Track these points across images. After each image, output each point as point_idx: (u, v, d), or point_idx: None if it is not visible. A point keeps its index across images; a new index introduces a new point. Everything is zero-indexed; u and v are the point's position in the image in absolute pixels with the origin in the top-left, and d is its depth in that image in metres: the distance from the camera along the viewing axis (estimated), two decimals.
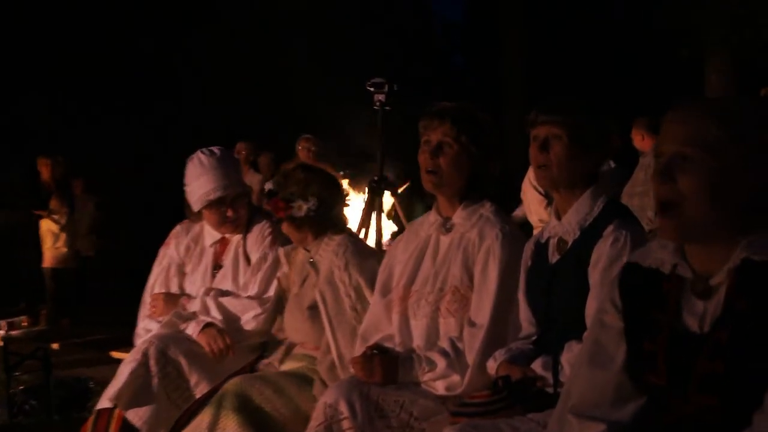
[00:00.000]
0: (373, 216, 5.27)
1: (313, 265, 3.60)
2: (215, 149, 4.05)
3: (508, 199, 7.11)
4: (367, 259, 3.56)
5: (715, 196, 1.82)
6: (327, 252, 3.61)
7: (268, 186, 3.69)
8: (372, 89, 5.13)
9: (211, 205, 4.00)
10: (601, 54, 14.35)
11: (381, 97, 5.10)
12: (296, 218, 3.61)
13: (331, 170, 3.83)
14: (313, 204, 3.60)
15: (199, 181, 3.99)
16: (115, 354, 4.51)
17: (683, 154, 1.85)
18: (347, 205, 3.86)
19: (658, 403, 1.94)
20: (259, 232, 4.08)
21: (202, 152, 4.03)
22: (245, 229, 4.11)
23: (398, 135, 4.75)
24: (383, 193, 5.34)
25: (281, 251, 3.86)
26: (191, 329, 3.88)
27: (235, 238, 4.11)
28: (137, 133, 12.73)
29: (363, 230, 5.23)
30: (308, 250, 3.70)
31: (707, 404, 1.81)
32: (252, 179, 9.50)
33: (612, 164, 6.18)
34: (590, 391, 2.04)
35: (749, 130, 1.84)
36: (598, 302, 2.19)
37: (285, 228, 3.68)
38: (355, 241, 3.71)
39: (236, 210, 4.03)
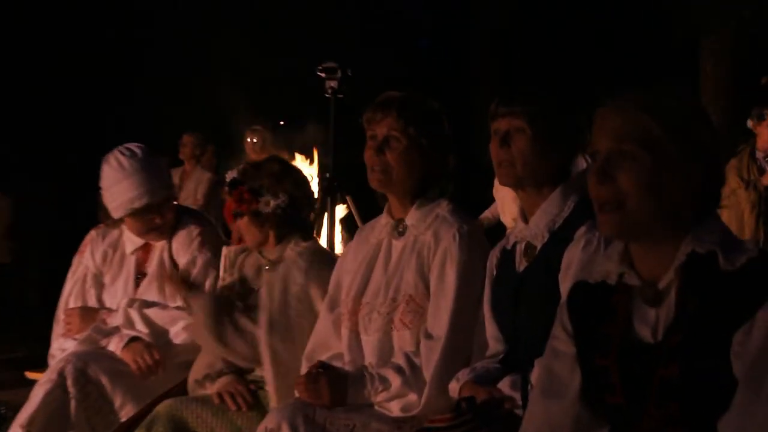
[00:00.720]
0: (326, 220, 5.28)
1: (272, 265, 3.59)
2: (135, 148, 4.04)
3: (484, 199, 7.16)
4: (331, 269, 3.51)
5: (657, 192, 1.93)
6: (289, 260, 3.59)
7: (232, 175, 3.68)
8: (323, 75, 5.15)
9: (135, 213, 4.01)
10: (584, 36, 14.41)
11: (333, 83, 5.12)
12: (261, 214, 3.60)
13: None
14: (282, 201, 3.60)
15: (120, 186, 3.98)
16: (31, 375, 4.48)
17: (621, 150, 1.95)
18: (315, 211, 3.88)
19: (618, 427, 2.00)
20: (187, 234, 4.09)
21: (121, 153, 4.02)
22: (171, 233, 4.11)
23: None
24: (337, 193, 5.34)
25: (225, 252, 3.84)
26: (114, 345, 3.88)
27: (160, 243, 4.12)
28: (58, 123, 12.63)
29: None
30: (263, 257, 3.68)
31: (668, 415, 1.87)
32: (200, 177, 9.50)
33: (589, 160, 6.24)
34: (546, 426, 2.11)
35: (685, 126, 1.96)
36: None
37: (244, 225, 3.66)
38: (321, 251, 3.73)
39: (164, 216, 4.04)
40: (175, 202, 4.20)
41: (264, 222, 3.62)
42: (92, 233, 4.25)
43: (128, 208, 3.99)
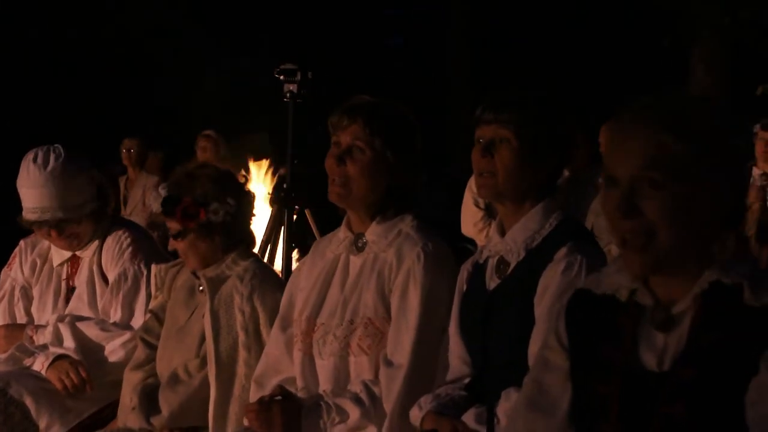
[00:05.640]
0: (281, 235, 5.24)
1: (211, 284, 3.52)
2: (53, 157, 4.06)
3: (452, 211, 7.16)
4: (275, 291, 3.51)
5: (688, 220, 1.89)
6: (232, 277, 3.54)
7: (162, 193, 3.53)
8: (281, 77, 5.13)
9: (31, 223, 4.07)
10: (566, 40, 14.45)
11: (292, 87, 5.10)
12: (211, 225, 3.49)
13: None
14: (231, 207, 3.50)
15: (23, 191, 4.07)
16: None
17: (645, 179, 1.90)
18: (254, 216, 3.83)
19: None
20: (116, 243, 4.11)
21: (35, 159, 4.05)
22: (100, 243, 4.13)
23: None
24: (293, 206, 5.30)
25: (154, 270, 3.78)
26: (38, 364, 3.92)
27: (88, 254, 4.15)
28: None
29: (267, 253, 5.18)
30: (198, 277, 3.60)
31: None
32: (147, 182, 9.47)
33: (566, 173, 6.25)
34: None
35: (717, 144, 1.92)
36: (543, 338, 2.23)
37: (187, 244, 3.53)
38: (263, 268, 3.68)
39: (63, 232, 4.07)
40: (101, 213, 4.17)
41: (214, 234, 3.52)
42: (21, 244, 4.31)
43: (24, 217, 4.07)
